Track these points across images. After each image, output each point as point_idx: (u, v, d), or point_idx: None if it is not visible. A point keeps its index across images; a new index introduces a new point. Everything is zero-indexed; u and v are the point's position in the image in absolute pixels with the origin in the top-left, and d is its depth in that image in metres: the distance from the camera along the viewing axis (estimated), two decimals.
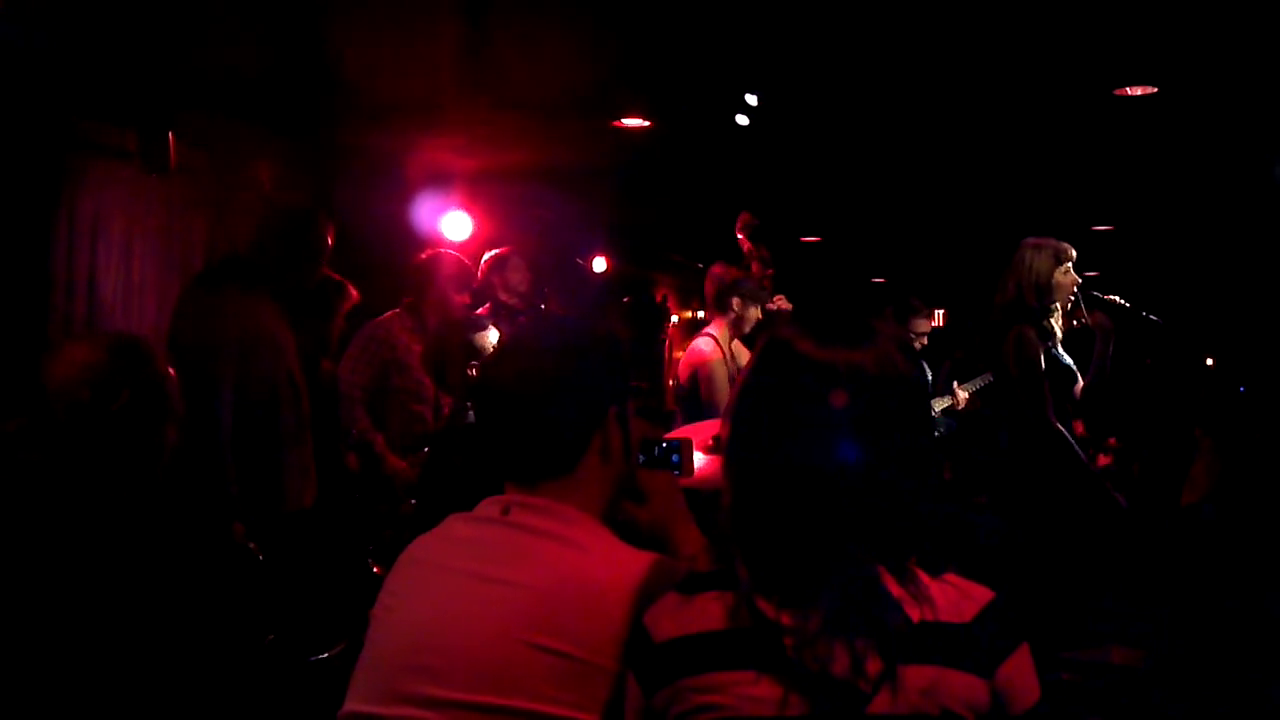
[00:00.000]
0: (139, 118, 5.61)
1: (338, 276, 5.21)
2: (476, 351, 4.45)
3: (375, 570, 4.62)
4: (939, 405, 6.72)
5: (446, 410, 5.33)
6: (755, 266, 5.37)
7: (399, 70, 5.55)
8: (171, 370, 2.78)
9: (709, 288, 5.54)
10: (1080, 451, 4.91)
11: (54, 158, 5.51)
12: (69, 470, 2.54)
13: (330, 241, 4.52)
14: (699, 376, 5.32)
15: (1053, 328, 4.89)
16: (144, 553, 2.49)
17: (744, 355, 5.42)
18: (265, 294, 4.34)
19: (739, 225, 5.44)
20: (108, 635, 2.38)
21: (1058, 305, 4.91)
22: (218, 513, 3.96)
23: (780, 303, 5.32)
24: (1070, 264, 4.91)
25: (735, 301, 5.43)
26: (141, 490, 2.65)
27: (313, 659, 3.99)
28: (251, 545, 3.89)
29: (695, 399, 5.32)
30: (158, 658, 2.44)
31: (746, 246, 5.41)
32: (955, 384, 6.80)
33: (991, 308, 5.05)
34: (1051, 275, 4.87)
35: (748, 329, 5.47)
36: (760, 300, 5.42)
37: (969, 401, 6.75)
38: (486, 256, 5.97)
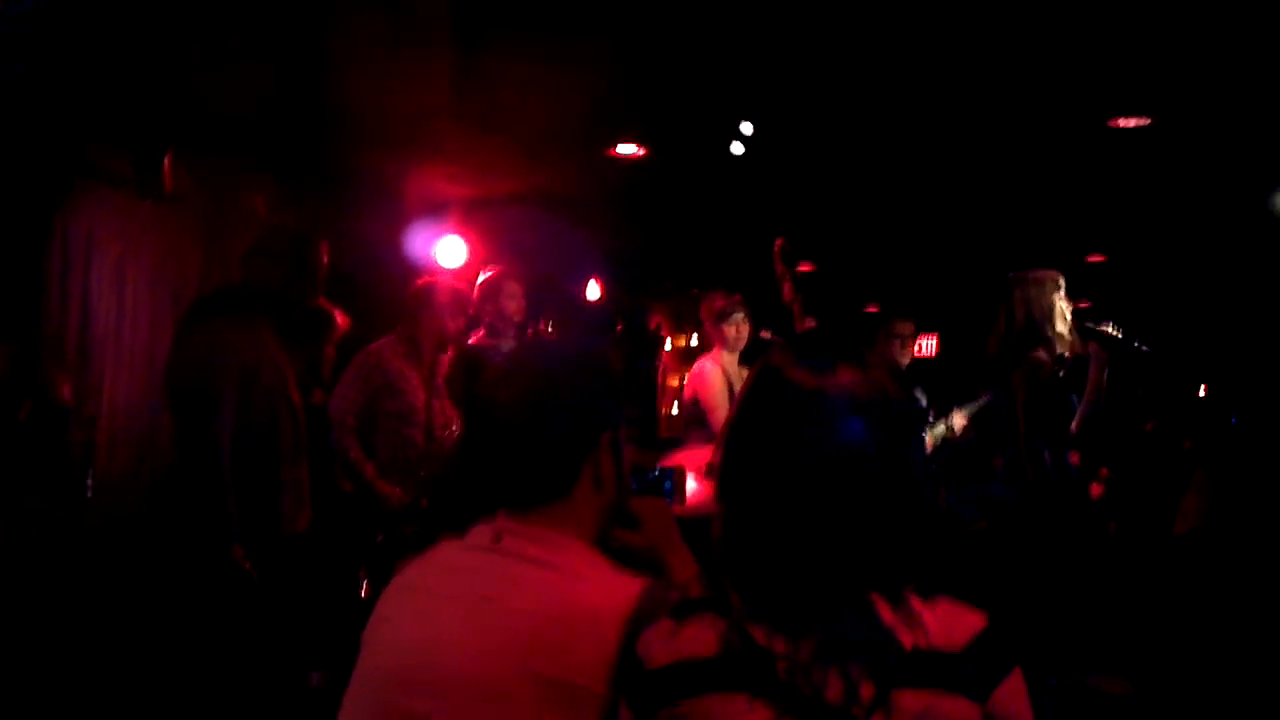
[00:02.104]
0: (134, 144, 5.62)
1: (326, 304, 5.22)
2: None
3: (363, 595, 4.61)
4: (936, 432, 6.71)
5: (439, 434, 5.34)
6: (787, 288, 5.45)
7: (393, 98, 5.57)
8: (64, 379, 2.76)
9: (702, 318, 6.02)
10: (1071, 484, 4.92)
11: (48, 182, 5.52)
12: None
13: (325, 262, 4.53)
14: (699, 396, 5.67)
15: (1062, 357, 4.96)
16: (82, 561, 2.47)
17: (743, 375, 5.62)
18: (263, 320, 4.35)
19: (775, 249, 5.55)
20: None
21: (1055, 334, 4.95)
22: (216, 536, 3.96)
23: (766, 334, 5.48)
24: (1061, 290, 4.98)
25: (707, 326, 5.95)
26: (69, 499, 2.63)
27: (304, 681, 3.99)
28: (247, 566, 3.90)
29: (697, 420, 5.63)
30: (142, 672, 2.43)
31: (779, 269, 5.50)
32: (954, 410, 6.79)
33: (988, 338, 5.07)
34: (1055, 304, 4.94)
35: (741, 345, 5.89)
36: (725, 316, 5.86)
37: (965, 429, 6.74)
38: (480, 280, 5.99)
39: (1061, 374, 4.96)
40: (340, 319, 5.37)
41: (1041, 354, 4.90)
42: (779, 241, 5.54)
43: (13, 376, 2.62)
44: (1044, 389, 4.85)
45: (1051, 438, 4.85)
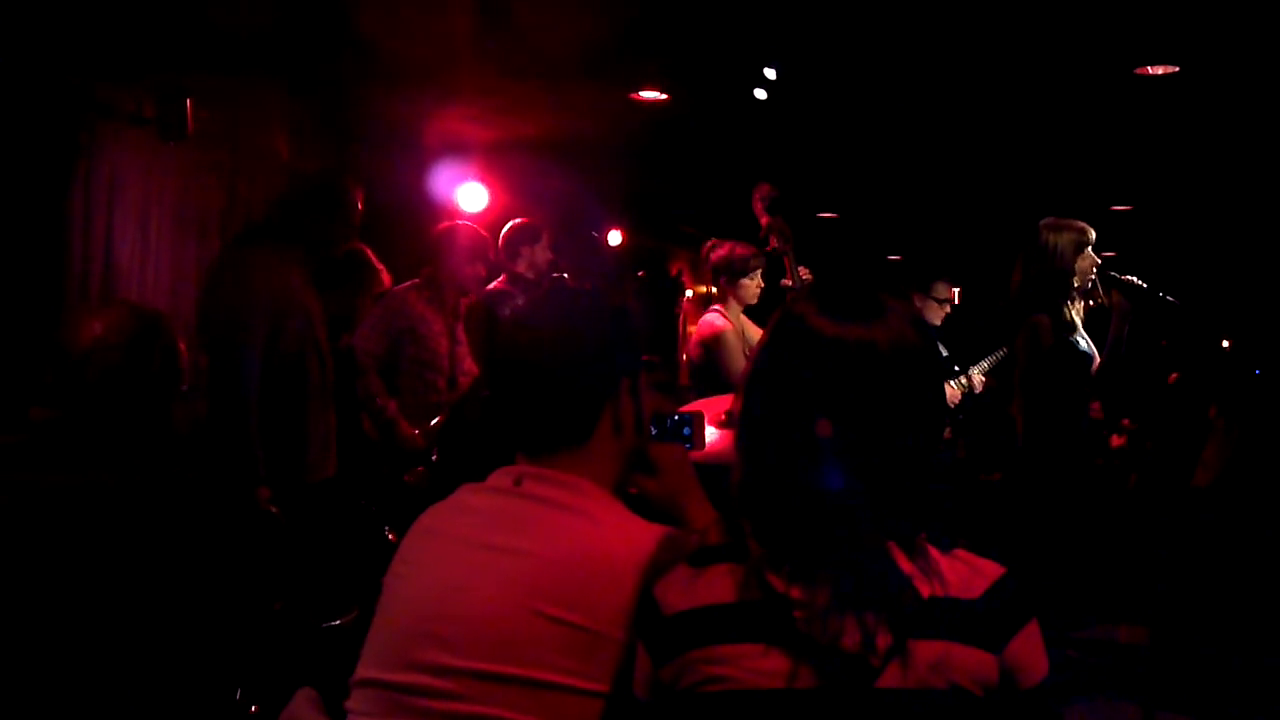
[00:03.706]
0: (156, 84, 5.61)
1: (376, 261, 5.23)
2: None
3: (390, 538, 4.64)
4: (959, 383, 6.69)
5: (462, 379, 5.35)
6: (773, 240, 5.31)
7: (417, 36, 5.54)
8: (183, 345, 2.84)
9: (709, 267, 5.62)
10: (1078, 446, 4.84)
11: (71, 123, 5.52)
12: (93, 431, 2.59)
13: (360, 207, 4.53)
14: (711, 349, 5.33)
15: (1071, 316, 4.80)
16: (156, 514, 2.52)
17: (751, 328, 5.45)
18: (296, 261, 4.36)
19: (757, 196, 5.39)
20: (121, 600, 2.41)
21: (1076, 290, 4.83)
22: (242, 477, 3.98)
23: (805, 275, 5.29)
24: (1090, 246, 4.84)
25: (722, 280, 5.49)
26: (152, 455, 2.69)
27: (326, 625, 4.02)
28: (274, 510, 3.92)
29: (708, 373, 5.34)
30: (167, 621, 2.47)
31: (764, 220, 5.36)
32: (972, 367, 6.76)
33: (1009, 289, 4.99)
34: (1073, 259, 4.78)
35: (751, 300, 5.50)
36: (747, 271, 5.45)
37: (985, 382, 6.71)
38: (516, 222, 5.93)
39: (1075, 337, 4.83)
40: (385, 277, 5.36)
41: (1043, 318, 4.74)
42: (763, 188, 5.38)
43: (143, 334, 2.71)
44: (1044, 353, 4.71)
45: (1052, 402, 4.73)
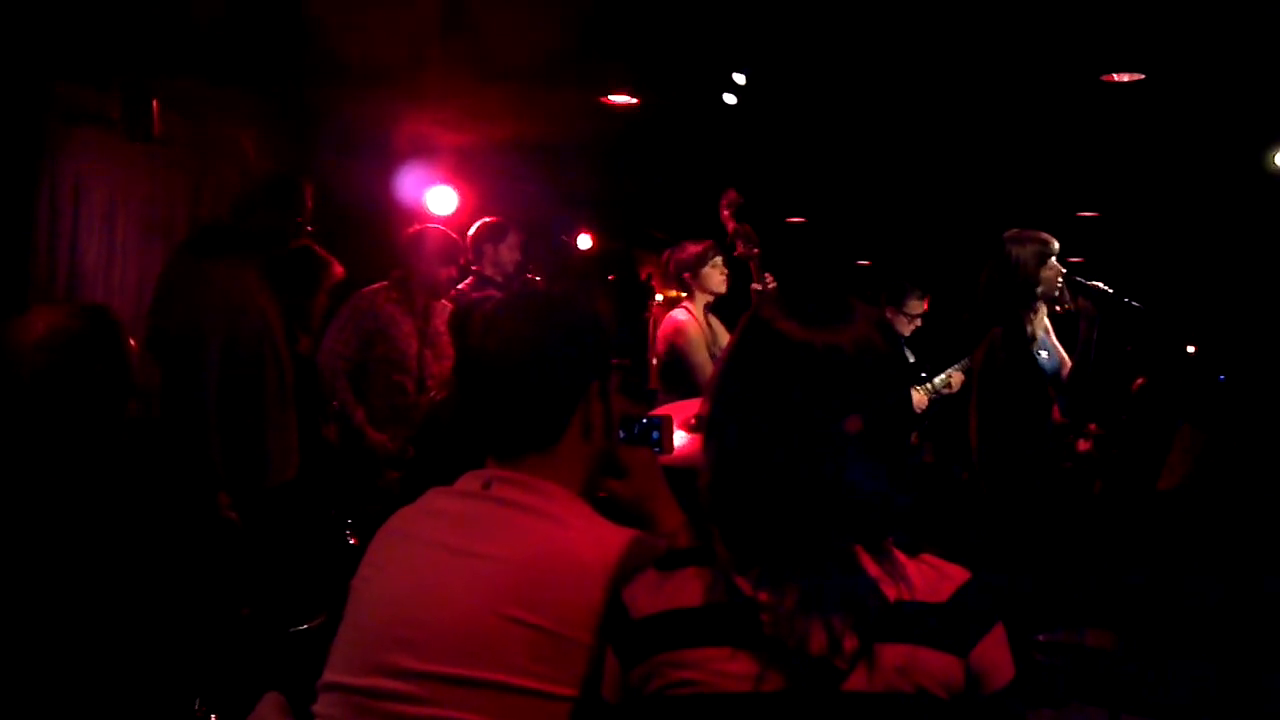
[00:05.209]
0: (122, 84, 5.57)
1: (325, 254, 5.19)
2: None
3: (353, 542, 4.62)
4: (927, 387, 6.70)
5: (430, 382, 5.34)
6: (740, 245, 5.34)
7: (384, 39, 5.52)
8: (133, 342, 2.78)
9: (671, 271, 5.69)
10: (1038, 459, 4.84)
11: (35, 124, 5.47)
12: (27, 435, 2.54)
13: (310, 204, 4.51)
14: (676, 346, 5.38)
15: (1033, 329, 4.80)
16: (99, 520, 2.49)
17: (719, 328, 5.49)
18: (250, 263, 4.33)
19: (723, 203, 5.42)
20: (66, 603, 2.38)
21: (1041, 302, 4.83)
22: (201, 482, 3.95)
23: (770, 281, 5.31)
24: (1054, 257, 4.83)
25: (687, 276, 5.58)
26: (100, 460, 2.64)
27: (292, 630, 4.00)
28: (233, 516, 3.90)
29: (674, 370, 5.38)
30: (121, 625, 2.45)
31: (731, 225, 5.38)
32: (949, 370, 6.77)
33: (974, 299, 4.99)
34: (1036, 271, 4.77)
35: (719, 289, 5.60)
36: (708, 260, 5.55)
37: (963, 381, 6.71)
38: (482, 222, 5.94)
39: (1036, 349, 4.82)
40: (337, 269, 5.33)
41: (1002, 330, 4.74)
42: (730, 195, 5.41)
43: (82, 336, 2.66)
44: (998, 369, 4.71)
45: (1006, 415, 4.73)
